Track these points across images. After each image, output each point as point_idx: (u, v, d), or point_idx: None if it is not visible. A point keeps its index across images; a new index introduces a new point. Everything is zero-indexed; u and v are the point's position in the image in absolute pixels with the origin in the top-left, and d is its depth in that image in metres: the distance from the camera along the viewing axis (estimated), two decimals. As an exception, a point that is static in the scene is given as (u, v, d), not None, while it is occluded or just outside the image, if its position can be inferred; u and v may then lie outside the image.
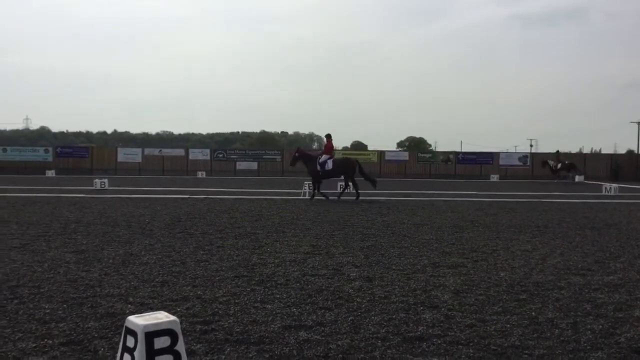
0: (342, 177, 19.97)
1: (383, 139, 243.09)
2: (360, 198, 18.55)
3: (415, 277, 6.56)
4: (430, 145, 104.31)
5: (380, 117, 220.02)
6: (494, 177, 43.37)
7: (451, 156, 48.16)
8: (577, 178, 39.14)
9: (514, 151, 64.13)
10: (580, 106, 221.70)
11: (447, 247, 8.88)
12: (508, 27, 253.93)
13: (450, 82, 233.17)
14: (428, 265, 7.33)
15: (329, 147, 19.52)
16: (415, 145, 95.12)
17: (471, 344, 4.25)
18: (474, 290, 5.94)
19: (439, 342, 4.29)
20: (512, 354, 4.07)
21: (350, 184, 19.13)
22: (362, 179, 19.22)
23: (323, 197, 18.51)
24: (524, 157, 48.17)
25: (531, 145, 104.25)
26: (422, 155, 49.89)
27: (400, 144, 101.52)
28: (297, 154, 19.89)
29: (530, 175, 45.83)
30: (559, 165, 38.71)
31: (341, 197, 18.80)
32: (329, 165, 18.74)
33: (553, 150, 43.10)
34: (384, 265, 7.30)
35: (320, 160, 18.82)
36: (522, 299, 5.62)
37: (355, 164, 19.10)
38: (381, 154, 48.02)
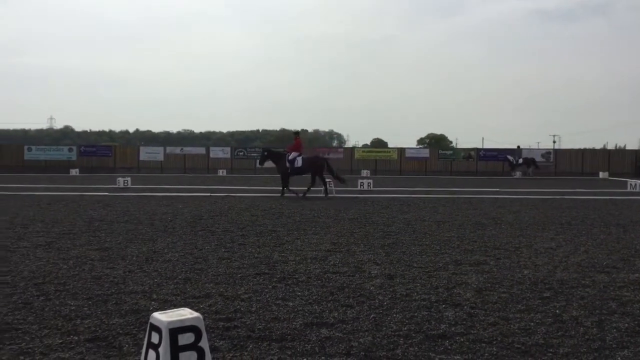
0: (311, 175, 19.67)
1: (403, 136, 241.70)
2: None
3: (437, 275, 6.52)
4: (451, 142, 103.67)
5: (401, 114, 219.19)
6: (516, 174, 42.90)
7: (472, 153, 47.77)
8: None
9: (537, 147, 63.32)
10: (604, 102, 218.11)
11: (469, 244, 8.82)
12: (529, 21, 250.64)
13: (471, 77, 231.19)
14: (450, 262, 7.29)
15: (297, 145, 19.43)
16: (436, 142, 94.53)
17: (494, 342, 4.21)
18: (497, 288, 5.89)
19: (462, 340, 4.27)
20: (536, 352, 4.03)
21: (321, 180, 19.13)
22: (331, 176, 19.23)
23: (293, 195, 18.60)
24: (547, 154, 47.58)
25: (554, 142, 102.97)
26: (443, 152, 49.58)
27: (420, 141, 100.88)
28: (266, 153, 19.84)
29: (553, 171, 45.27)
30: (520, 160, 39.77)
31: (306, 195, 18.63)
32: (299, 162, 18.85)
33: (576, 147, 42.98)
34: (405, 262, 7.28)
35: (290, 158, 18.87)
36: (545, 297, 5.56)
37: (324, 162, 19.36)
38: (401, 151, 47.80)
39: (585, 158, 46.51)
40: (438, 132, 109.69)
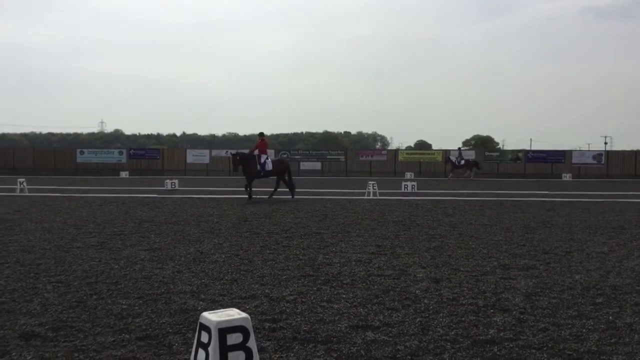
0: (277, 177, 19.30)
1: (448, 138, 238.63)
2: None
3: (485, 279, 6.41)
4: (497, 144, 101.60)
5: (445, 115, 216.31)
6: (567, 176, 41.77)
7: (520, 154, 46.77)
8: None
9: (587, 149, 61.48)
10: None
11: (518, 248, 8.63)
12: (581, 19, 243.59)
13: (518, 77, 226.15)
14: (498, 267, 7.16)
15: (264, 146, 19.01)
16: (481, 144, 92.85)
17: (545, 349, 4.11)
18: (547, 294, 5.75)
19: (511, 345, 4.18)
20: (588, 359, 3.91)
21: (286, 182, 18.84)
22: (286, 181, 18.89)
23: (246, 197, 18.19)
24: (598, 155, 46.13)
25: (605, 143, 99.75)
26: (490, 153, 48.70)
27: (465, 143, 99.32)
28: (238, 157, 18.97)
29: (605, 174, 43.85)
30: (462, 162, 39.81)
31: (272, 197, 18.49)
32: (269, 165, 18.62)
33: (629, 148, 41.78)
34: (451, 266, 7.18)
35: (262, 161, 18.56)
36: (598, 303, 5.39)
37: (289, 165, 19.48)
38: (446, 153, 47.19)
39: (638, 160, 44.86)
40: (484, 133, 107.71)
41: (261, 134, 19.39)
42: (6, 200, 17.74)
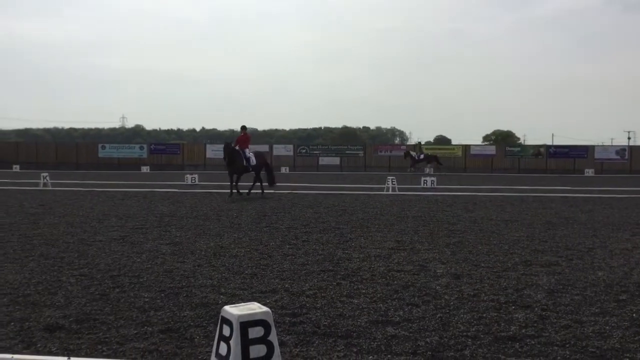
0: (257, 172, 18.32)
1: (468, 133, 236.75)
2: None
3: (506, 276, 6.36)
4: (518, 139, 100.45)
5: (465, 110, 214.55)
6: (589, 172, 41.18)
7: (542, 150, 46.20)
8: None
9: (610, 144, 60.54)
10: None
11: (539, 244, 8.54)
12: (606, 11, 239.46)
13: (540, 71, 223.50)
14: (519, 263, 7.09)
15: (247, 139, 18.20)
16: (502, 139, 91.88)
17: (567, 346, 4.07)
18: (570, 290, 5.68)
19: (533, 342, 4.15)
20: (611, 356, 3.87)
21: (263, 177, 18.25)
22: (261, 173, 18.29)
23: (233, 193, 17.24)
24: (621, 150, 45.38)
25: (629, 138, 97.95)
26: (511, 149, 48.20)
27: (486, 138, 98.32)
28: (229, 149, 17.64)
29: (628, 169, 43.12)
30: (421, 156, 40.48)
31: (251, 191, 17.89)
32: (254, 160, 17.89)
33: None
34: (471, 262, 7.13)
35: (247, 156, 17.73)
36: (622, 300, 5.32)
37: (266, 158, 18.89)
38: (466, 148, 46.82)
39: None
40: (505, 128, 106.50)
41: (243, 128, 18.57)
42: (30, 195, 18.04)
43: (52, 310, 4.88)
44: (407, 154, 41.61)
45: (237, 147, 17.82)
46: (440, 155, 43.12)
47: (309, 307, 5.03)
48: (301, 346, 4.06)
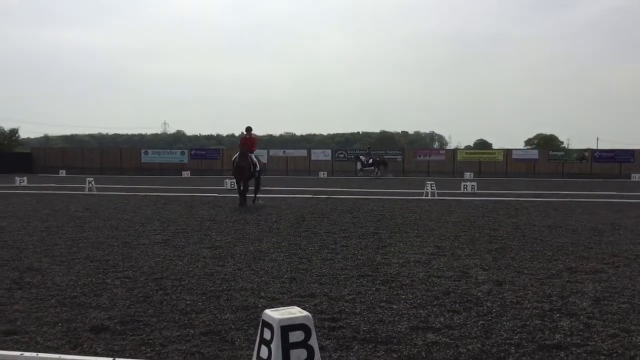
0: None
1: (510, 137, 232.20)
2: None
3: (550, 283, 6.21)
4: (562, 143, 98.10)
5: (507, 114, 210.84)
6: (636, 177, 39.91)
7: (586, 154, 45.05)
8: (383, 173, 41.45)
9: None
10: None
11: (585, 251, 8.31)
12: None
13: (583, 74, 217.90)
14: (564, 270, 6.91)
15: (254, 142, 17.10)
16: (545, 143, 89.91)
17: (614, 355, 3.94)
18: (617, 298, 5.51)
19: (579, 351, 4.03)
20: (664, 369, 3.73)
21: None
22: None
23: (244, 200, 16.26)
24: (671, 154, 43.79)
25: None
26: (554, 153, 47.14)
27: (528, 142, 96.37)
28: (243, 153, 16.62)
29: (678, 174, 41.56)
30: (370, 161, 41.31)
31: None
32: (258, 164, 16.98)
33: None
34: (514, 269, 6.99)
35: (254, 161, 16.67)
36: (673, 310, 5.12)
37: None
38: (508, 152, 46.02)
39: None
40: (548, 132, 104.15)
41: (248, 129, 16.98)
42: (76, 199, 18.58)
43: (98, 312, 5.00)
44: (357, 158, 43.08)
45: (242, 150, 16.61)
46: (483, 160, 42.55)
47: (348, 312, 5.02)
48: (341, 351, 4.05)
